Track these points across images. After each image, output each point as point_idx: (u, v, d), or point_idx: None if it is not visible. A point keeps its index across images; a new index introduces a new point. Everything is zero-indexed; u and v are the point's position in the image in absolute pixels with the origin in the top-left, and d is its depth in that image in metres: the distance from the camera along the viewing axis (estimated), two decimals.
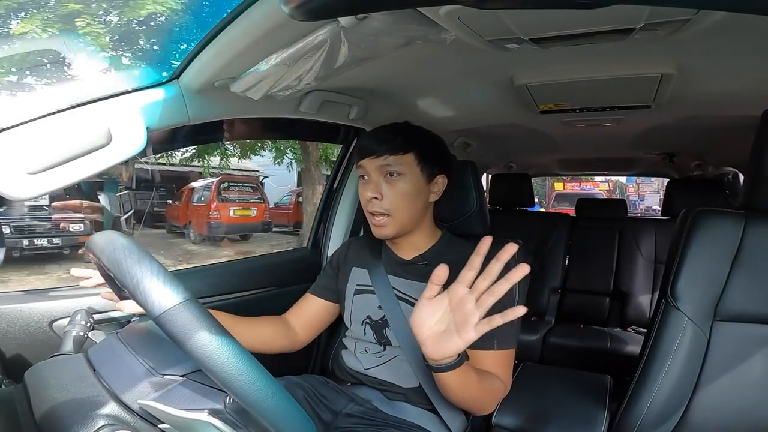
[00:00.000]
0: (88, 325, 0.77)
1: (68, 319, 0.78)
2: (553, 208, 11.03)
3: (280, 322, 1.03)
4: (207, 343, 0.47)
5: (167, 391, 0.57)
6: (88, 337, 0.76)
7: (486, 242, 0.66)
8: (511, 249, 0.64)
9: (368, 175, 0.92)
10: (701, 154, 2.22)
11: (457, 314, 0.66)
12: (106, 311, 0.92)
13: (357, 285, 1.02)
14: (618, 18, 0.71)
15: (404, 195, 0.90)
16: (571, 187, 13.79)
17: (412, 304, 0.93)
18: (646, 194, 14.65)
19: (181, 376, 0.60)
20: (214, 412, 0.52)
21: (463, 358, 0.71)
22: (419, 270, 0.96)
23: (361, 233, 1.44)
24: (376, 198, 0.90)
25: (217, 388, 0.54)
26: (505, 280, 0.63)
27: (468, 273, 0.66)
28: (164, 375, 0.59)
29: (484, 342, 0.88)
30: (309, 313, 1.06)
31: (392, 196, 0.90)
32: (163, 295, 0.48)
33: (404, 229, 0.93)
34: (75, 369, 0.63)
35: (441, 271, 0.66)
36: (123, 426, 0.52)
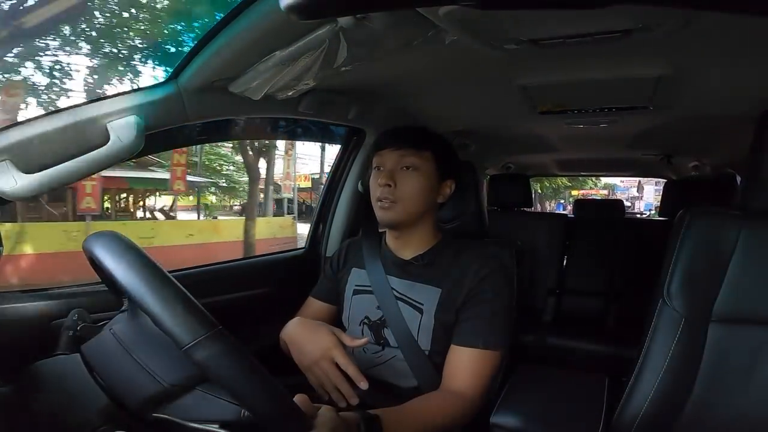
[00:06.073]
0: (86, 325, 0.77)
1: (66, 318, 0.78)
2: None
3: None
4: (237, 373, 0.48)
5: (178, 403, 0.57)
6: (85, 337, 0.76)
7: None
8: None
9: (384, 165, 0.94)
10: (699, 154, 2.22)
11: None
12: (104, 311, 0.92)
13: (356, 286, 1.02)
14: (616, 19, 0.71)
15: (416, 187, 0.92)
16: (583, 193, 17.64)
17: (411, 305, 0.94)
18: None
19: (191, 386, 0.60)
20: (226, 426, 0.52)
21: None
22: (418, 270, 0.96)
23: (360, 234, 1.44)
24: (389, 185, 0.91)
25: (229, 401, 0.54)
26: None
27: None
28: (173, 385, 0.59)
29: (469, 338, 0.87)
30: (314, 318, 1.03)
31: (405, 187, 0.92)
32: (193, 326, 0.48)
33: (408, 219, 0.94)
34: (72, 369, 0.63)
35: None
36: (120, 426, 0.52)
